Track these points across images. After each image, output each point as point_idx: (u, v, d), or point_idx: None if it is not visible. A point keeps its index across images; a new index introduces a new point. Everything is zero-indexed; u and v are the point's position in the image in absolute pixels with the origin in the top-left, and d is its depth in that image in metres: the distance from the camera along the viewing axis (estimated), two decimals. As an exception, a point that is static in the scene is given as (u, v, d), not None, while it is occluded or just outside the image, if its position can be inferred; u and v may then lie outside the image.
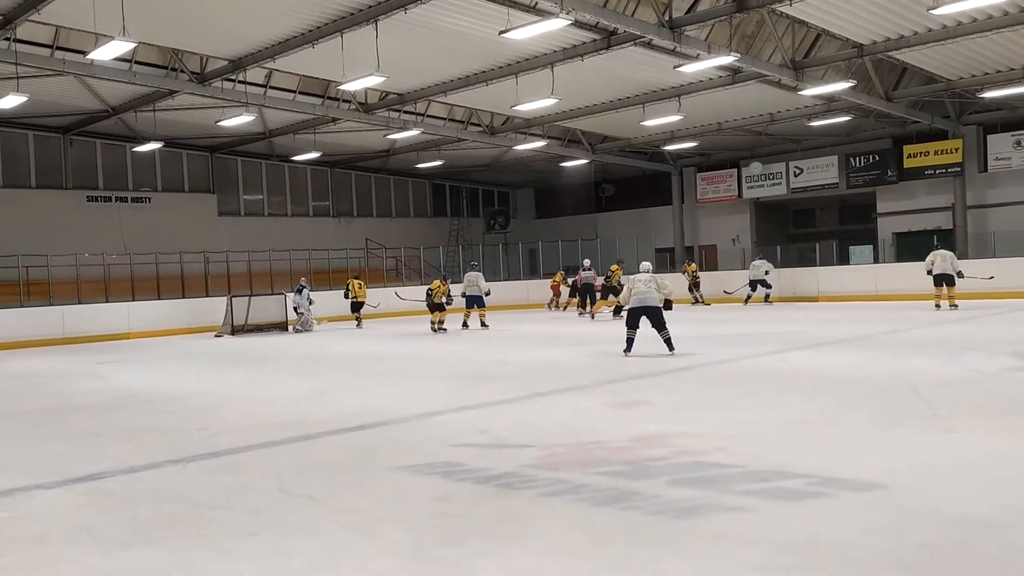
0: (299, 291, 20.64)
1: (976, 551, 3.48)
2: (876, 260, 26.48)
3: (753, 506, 4.24)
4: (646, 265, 12.17)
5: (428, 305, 18.07)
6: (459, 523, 4.21)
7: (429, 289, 18.17)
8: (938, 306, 17.61)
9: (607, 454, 5.54)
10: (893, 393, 7.49)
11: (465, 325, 18.68)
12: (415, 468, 5.42)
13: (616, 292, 18.59)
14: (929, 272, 17.68)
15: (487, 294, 18.62)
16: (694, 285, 23.99)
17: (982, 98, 22.11)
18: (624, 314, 12.17)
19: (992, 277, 18.70)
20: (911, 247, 25.69)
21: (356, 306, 21.47)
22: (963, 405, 6.76)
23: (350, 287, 21.49)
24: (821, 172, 28.47)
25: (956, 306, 17.44)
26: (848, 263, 26.93)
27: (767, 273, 22.89)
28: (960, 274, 17.48)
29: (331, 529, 4.19)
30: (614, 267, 20.96)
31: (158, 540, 4.14)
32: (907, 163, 26.14)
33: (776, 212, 32.09)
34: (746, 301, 22.79)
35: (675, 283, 23.91)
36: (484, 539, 3.94)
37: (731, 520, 4.04)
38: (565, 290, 24.56)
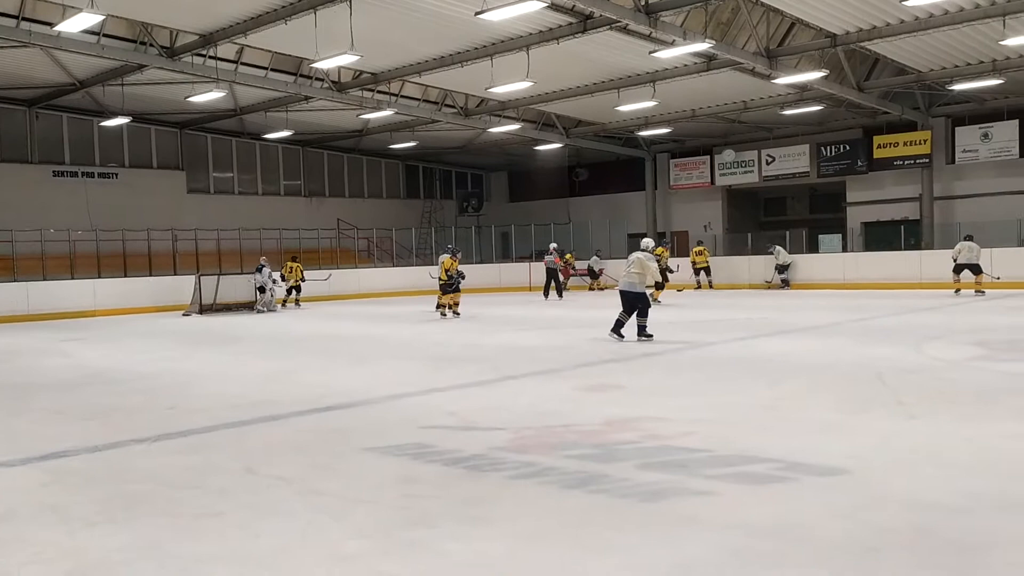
0: (259, 270, 20.49)
1: (937, 536, 3.54)
2: (845, 249, 26.78)
3: (720, 490, 4.28)
4: (647, 242, 11.98)
5: (442, 286, 16.91)
6: (428, 505, 4.21)
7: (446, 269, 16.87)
8: (958, 291, 18.56)
9: (577, 437, 5.56)
10: (858, 380, 7.60)
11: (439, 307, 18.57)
12: (384, 449, 5.41)
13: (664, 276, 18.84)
14: (955, 260, 18.66)
15: (462, 278, 18.47)
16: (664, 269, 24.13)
17: (951, 90, 22.33)
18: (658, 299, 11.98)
19: (999, 278, 19.18)
20: (879, 236, 26.04)
21: (293, 288, 21.68)
22: (926, 392, 6.87)
23: (287, 270, 21.68)
24: (793, 161, 28.67)
25: (983, 292, 18.36)
26: (817, 251, 27.20)
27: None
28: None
29: (299, 510, 4.17)
30: (660, 250, 20.09)
31: (123, 519, 4.10)
32: (877, 153, 26.40)
33: (748, 200, 32.30)
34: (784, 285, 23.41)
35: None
36: (453, 521, 3.95)
37: (699, 504, 4.08)
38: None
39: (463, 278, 16.99)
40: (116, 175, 26.53)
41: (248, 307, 20.52)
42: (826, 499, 4.09)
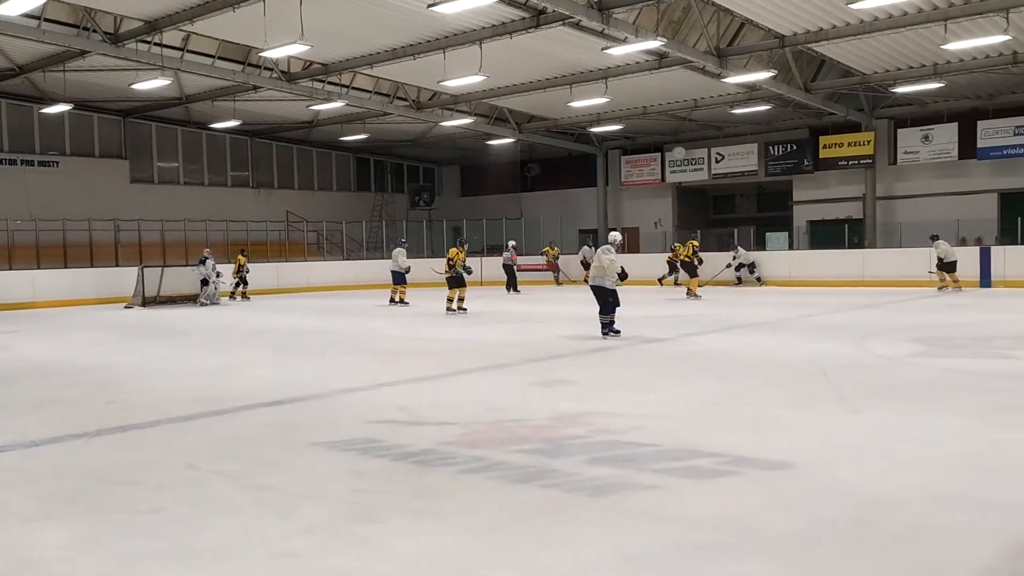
0: (202, 262, 20.13)
1: (875, 527, 3.62)
2: (791, 247, 27.26)
3: (667, 484, 4.32)
4: (613, 236, 11.70)
5: (448, 280, 15.86)
6: (376, 500, 4.18)
7: (449, 259, 15.89)
8: (941, 289, 19.20)
9: (527, 432, 5.57)
10: (803, 375, 7.74)
11: (392, 301, 18.48)
12: (332, 444, 5.35)
13: (692, 268, 19.07)
14: (941, 259, 19.23)
15: (407, 271, 18.42)
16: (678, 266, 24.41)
17: (894, 93, 22.90)
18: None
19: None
20: (824, 235, 26.56)
21: (240, 281, 21.62)
22: (868, 388, 7.02)
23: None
24: (741, 159, 29.09)
25: (961, 288, 19.13)
26: (765, 249, 27.65)
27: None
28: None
29: (243, 506, 4.11)
30: (688, 243, 20.36)
31: (60, 515, 3.99)
32: (822, 153, 26.91)
33: (697, 197, 32.70)
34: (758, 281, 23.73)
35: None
36: (401, 515, 3.92)
37: (646, 498, 4.11)
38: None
39: (469, 272, 15.98)
40: (57, 163, 25.80)
41: (192, 300, 20.15)
42: (769, 492, 4.16)
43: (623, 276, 11.15)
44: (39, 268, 21.01)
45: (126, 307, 19.27)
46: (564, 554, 3.42)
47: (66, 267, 21.70)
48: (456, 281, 15.78)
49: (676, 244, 24.26)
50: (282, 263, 26.06)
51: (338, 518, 3.90)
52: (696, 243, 20.21)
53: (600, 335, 11.05)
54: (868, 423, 5.73)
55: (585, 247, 26.67)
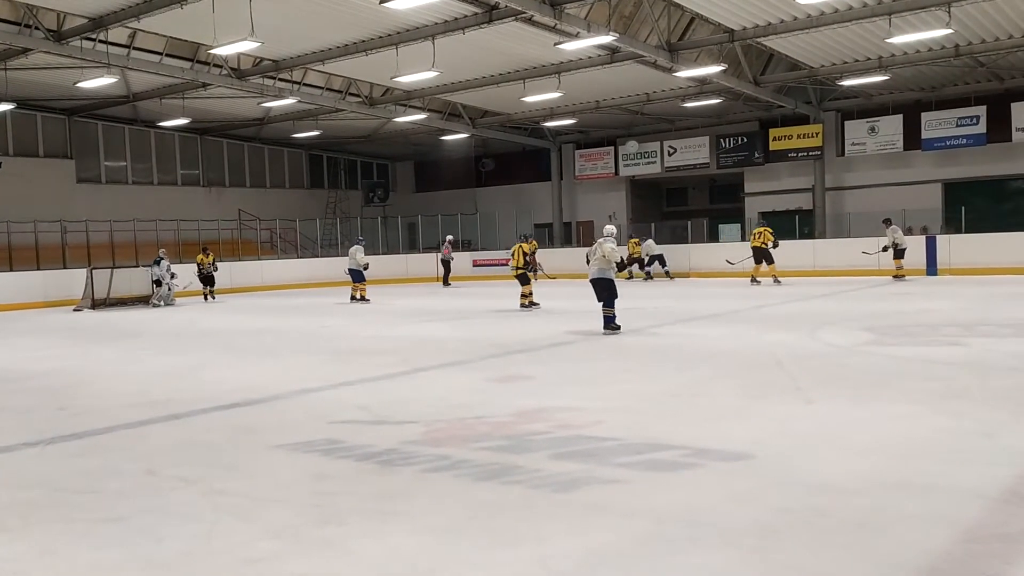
0: (157, 262, 19.78)
1: (832, 516, 3.71)
2: (743, 238, 27.60)
3: (629, 478, 4.37)
4: (609, 228, 11.50)
5: (520, 276, 15.30)
6: (339, 502, 4.16)
7: (526, 255, 15.54)
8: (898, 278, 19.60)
9: (488, 429, 5.59)
10: (759, 365, 7.87)
11: (353, 299, 18.38)
12: (293, 446, 5.31)
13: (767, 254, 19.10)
14: (897, 245, 19.59)
15: (365, 267, 18.37)
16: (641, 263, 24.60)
17: (841, 85, 23.35)
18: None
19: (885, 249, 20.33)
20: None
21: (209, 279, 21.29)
22: (822, 377, 7.17)
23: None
24: (693, 152, 29.39)
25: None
26: (717, 240, 28.00)
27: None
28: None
29: (204, 512, 4.06)
30: (764, 230, 20.41)
31: (16, 527, 3.91)
32: (772, 146, 27.33)
33: (651, 190, 32.98)
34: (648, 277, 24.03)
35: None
36: (365, 517, 3.91)
37: (609, 492, 4.15)
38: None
39: (533, 270, 15.80)
40: (-1, 164, 25.13)
41: (144, 301, 19.78)
42: (730, 484, 4.23)
43: (621, 266, 10.98)
44: (-17, 271, 20.45)
45: (75, 309, 18.88)
46: (528, 551, 3.45)
47: (12, 270, 21.16)
48: (526, 277, 15.38)
49: (634, 239, 24.68)
50: (235, 262, 25.68)
51: (302, 521, 3.88)
52: (770, 229, 20.50)
53: (603, 331, 10.81)
54: (823, 412, 5.85)
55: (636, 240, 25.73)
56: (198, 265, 21.34)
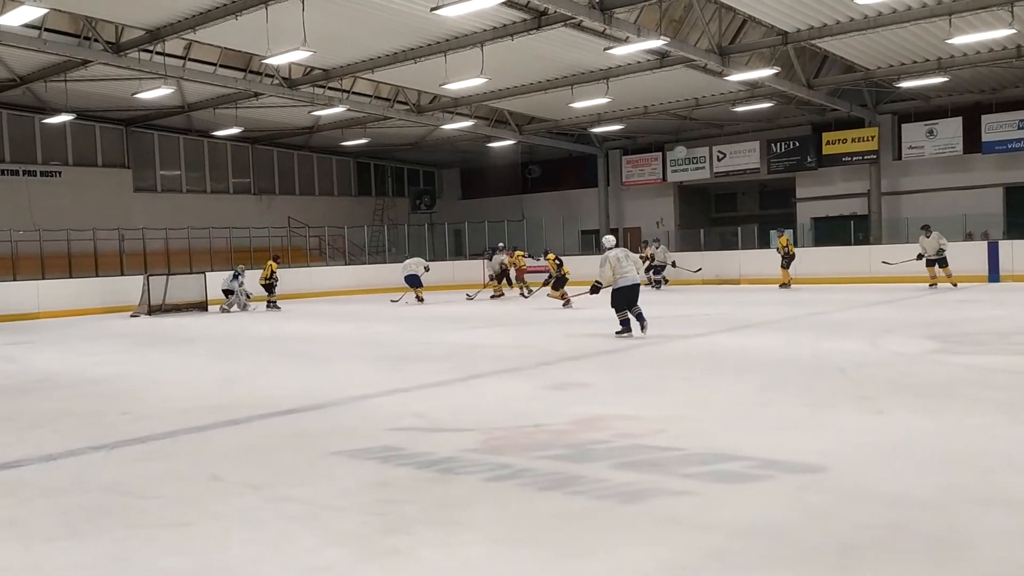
0: (236, 275, 20.02)
1: (915, 532, 3.56)
2: (796, 244, 27.15)
3: (698, 490, 4.26)
4: (612, 239, 11.67)
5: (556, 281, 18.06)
6: (403, 510, 4.11)
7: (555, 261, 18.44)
8: (933, 286, 19.01)
9: (548, 437, 5.51)
10: (821, 374, 7.68)
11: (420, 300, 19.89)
12: (352, 453, 5.29)
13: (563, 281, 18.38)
14: (942, 250, 18.86)
15: (552, 276, 18.81)
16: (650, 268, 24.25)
17: (898, 88, 22.83)
18: (588, 295, 12.03)
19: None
20: (829, 232, 26.50)
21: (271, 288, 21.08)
22: (889, 386, 6.95)
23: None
24: (743, 157, 29.02)
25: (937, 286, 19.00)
26: (768, 247, 27.55)
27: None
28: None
29: (270, 518, 4.04)
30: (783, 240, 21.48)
31: (85, 532, 3.93)
32: (826, 150, 26.85)
33: (699, 196, 32.63)
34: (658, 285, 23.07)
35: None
36: (430, 526, 3.86)
37: (678, 504, 4.04)
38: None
39: (552, 276, 18.40)
40: (59, 173, 25.80)
41: (199, 307, 20.10)
42: (803, 497, 4.08)
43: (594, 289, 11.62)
44: (44, 279, 20.95)
45: (132, 316, 19.23)
46: (598, 563, 3.36)
47: (71, 277, 21.65)
48: (560, 282, 17.80)
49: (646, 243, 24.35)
50: (285, 269, 25.96)
51: (367, 529, 3.84)
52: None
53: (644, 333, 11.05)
54: (894, 423, 5.66)
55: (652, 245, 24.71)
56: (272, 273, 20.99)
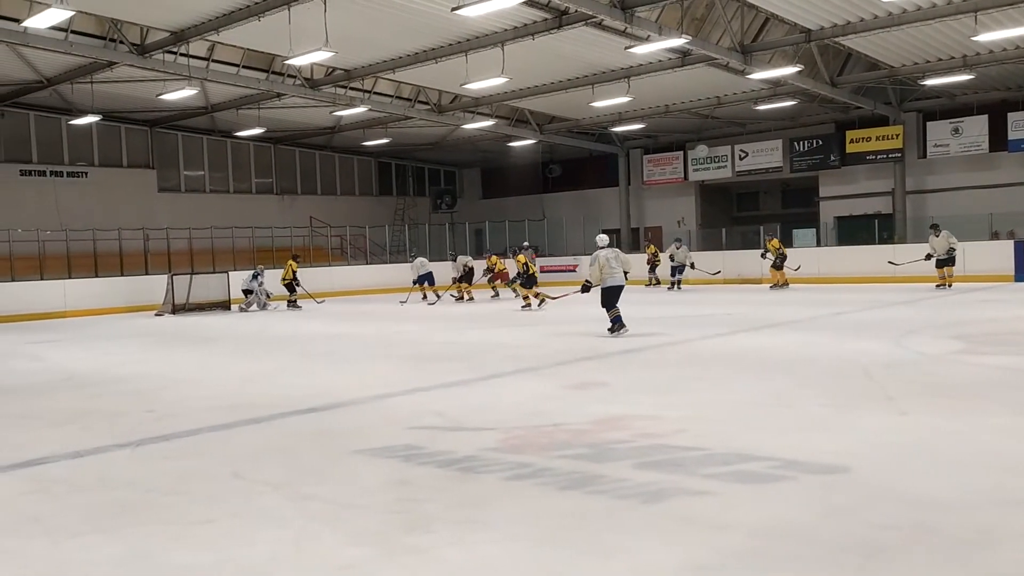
0: (255, 276, 20.19)
1: (939, 533, 3.52)
2: (818, 243, 26.99)
3: (719, 490, 4.24)
4: (605, 238, 11.82)
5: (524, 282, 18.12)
6: (424, 508, 4.13)
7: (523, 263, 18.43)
8: (940, 287, 18.67)
9: (568, 437, 5.50)
10: (844, 374, 7.61)
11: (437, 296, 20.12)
12: (374, 452, 5.32)
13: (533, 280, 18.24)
14: (952, 249, 18.67)
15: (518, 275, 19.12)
16: (653, 266, 24.13)
17: (923, 85, 22.59)
18: (571, 295, 12.19)
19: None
20: (852, 231, 26.27)
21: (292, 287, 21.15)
22: (914, 387, 6.89)
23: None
24: (765, 156, 28.83)
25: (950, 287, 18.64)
26: (791, 246, 27.36)
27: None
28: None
29: (292, 516, 4.07)
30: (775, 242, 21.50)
31: (111, 528, 3.97)
32: (849, 148, 26.62)
33: (720, 195, 32.47)
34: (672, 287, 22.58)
35: (638, 263, 24.50)
36: (451, 525, 3.87)
37: (699, 504, 4.03)
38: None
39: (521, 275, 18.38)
40: (86, 174, 26.09)
41: (222, 307, 20.26)
42: (826, 498, 4.06)
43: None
44: (70, 278, 21.19)
45: (156, 315, 19.41)
46: (619, 563, 3.36)
47: (97, 276, 21.89)
48: (529, 281, 17.97)
49: (652, 245, 24.23)
50: (306, 268, 26.12)
51: (388, 528, 3.86)
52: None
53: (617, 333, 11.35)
54: (918, 423, 5.61)
55: (673, 245, 23.51)
56: (293, 272, 21.04)
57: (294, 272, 20.99)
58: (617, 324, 11.35)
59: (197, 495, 4.50)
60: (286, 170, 31.75)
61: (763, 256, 21.88)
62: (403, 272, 26.37)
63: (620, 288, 11.37)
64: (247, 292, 20.20)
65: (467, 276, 21.18)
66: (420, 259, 21.68)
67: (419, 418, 6.35)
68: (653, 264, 24.18)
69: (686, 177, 30.76)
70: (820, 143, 27.56)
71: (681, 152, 30.87)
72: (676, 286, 22.50)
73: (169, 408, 7.20)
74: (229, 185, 30.20)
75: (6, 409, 7.55)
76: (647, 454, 4.99)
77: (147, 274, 22.24)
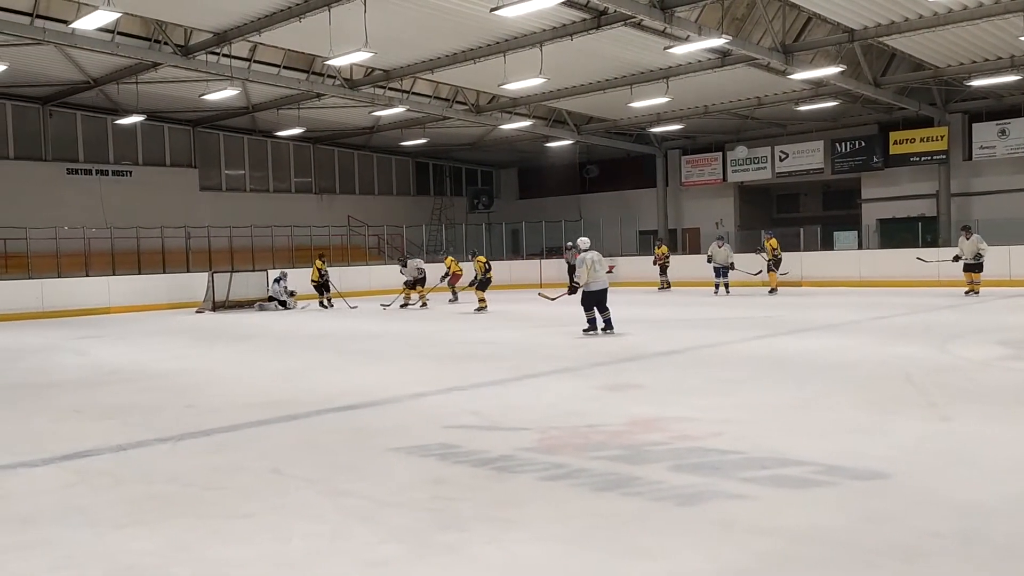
0: (278, 280, 20.31)
1: (983, 541, 3.45)
2: (860, 246, 26.57)
3: (756, 493, 4.19)
4: (587, 241, 12.15)
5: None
6: (459, 507, 4.14)
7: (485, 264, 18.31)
8: (969, 293, 17.79)
9: (604, 438, 5.48)
10: (885, 379, 7.49)
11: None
12: (409, 450, 5.34)
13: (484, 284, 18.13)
14: (980, 254, 17.66)
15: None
16: (663, 268, 23.75)
17: (969, 86, 22.16)
18: (562, 296, 12.77)
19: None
20: (895, 233, 25.84)
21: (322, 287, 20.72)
22: (957, 393, 6.75)
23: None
24: (806, 157, 28.50)
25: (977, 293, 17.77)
26: (832, 248, 27.00)
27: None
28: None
29: (328, 512, 4.11)
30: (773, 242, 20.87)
31: (152, 521, 4.04)
32: (893, 149, 26.21)
33: (760, 196, 32.14)
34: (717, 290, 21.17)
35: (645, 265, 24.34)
36: (485, 524, 3.88)
37: (736, 507, 3.99)
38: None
39: (477, 277, 18.13)
40: (130, 173, 26.59)
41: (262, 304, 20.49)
42: (866, 503, 3.99)
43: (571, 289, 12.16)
44: (114, 275, 21.61)
45: (197, 312, 19.69)
46: (654, 565, 3.34)
47: (140, 273, 22.29)
48: (483, 284, 17.83)
49: (663, 246, 23.87)
50: (344, 267, 26.35)
51: (422, 526, 3.87)
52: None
53: (605, 332, 11.77)
54: (961, 430, 5.50)
55: (714, 244, 21.67)
56: (320, 272, 20.70)
57: (319, 271, 20.59)
58: (592, 326, 11.79)
59: (235, 490, 4.56)
60: (325, 170, 32.06)
61: (757, 251, 21.25)
62: (440, 272, 26.59)
63: (604, 291, 11.75)
64: (272, 297, 20.21)
65: (420, 281, 19.80)
66: (418, 260, 20.47)
67: (455, 417, 6.37)
68: (663, 266, 23.65)
69: (725, 178, 30.51)
70: (863, 144, 27.17)
71: (720, 153, 30.63)
72: (722, 289, 20.75)
73: (209, 404, 7.30)
74: (269, 184, 30.57)
75: (53, 403, 7.71)
76: (684, 456, 4.96)
77: (188, 272, 22.58)
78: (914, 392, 6.82)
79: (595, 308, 11.76)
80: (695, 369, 8.71)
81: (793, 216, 31.63)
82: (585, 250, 11.84)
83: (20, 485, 4.82)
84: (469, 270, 20.07)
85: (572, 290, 12.22)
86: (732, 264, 21.06)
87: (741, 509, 3.98)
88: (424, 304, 19.50)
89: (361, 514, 4.07)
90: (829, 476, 4.44)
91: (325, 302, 20.63)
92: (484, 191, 36.36)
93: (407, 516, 4.02)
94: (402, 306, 19.48)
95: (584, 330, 11.85)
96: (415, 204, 34.35)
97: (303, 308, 20.45)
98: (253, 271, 21.75)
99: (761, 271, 21.40)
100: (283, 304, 20.23)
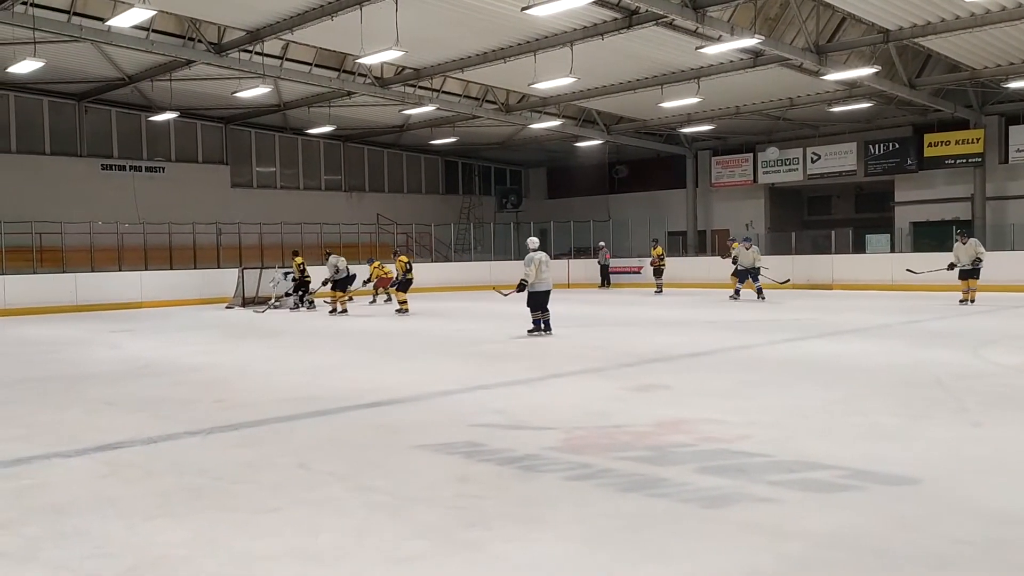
0: (286, 275, 19.96)
1: (1014, 547, 3.41)
2: (893, 249, 26.24)
3: (783, 497, 4.17)
4: (536, 241, 12.24)
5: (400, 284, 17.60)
6: (484, 505, 4.15)
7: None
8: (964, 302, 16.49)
9: (629, 439, 5.47)
10: (916, 384, 7.40)
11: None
12: (435, 447, 5.37)
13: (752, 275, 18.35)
14: (979, 259, 16.47)
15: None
16: (658, 271, 23.46)
17: (1006, 88, 21.82)
18: (512, 294, 12.75)
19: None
20: (929, 237, 25.49)
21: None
22: (990, 398, 6.66)
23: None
24: (839, 159, 28.18)
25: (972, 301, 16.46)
26: (864, 251, 26.71)
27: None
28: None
29: (354, 508, 4.14)
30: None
31: (182, 513, 4.10)
32: (927, 152, 25.85)
33: (791, 198, 31.83)
34: (737, 294, 19.77)
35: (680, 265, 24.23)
36: (510, 522, 3.89)
37: (762, 511, 3.97)
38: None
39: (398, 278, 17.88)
40: (163, 169, 26.93)
41: (290, 300, 20.50)
42: (895, 509, 3.96)
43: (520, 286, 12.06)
44: (146, 270, 21.91)
45: (226, 307, 19.88)
46: (682, 567, 3.34)
47: (171, 268, 22.58)
48: (404, 284, 17.55)
49: (658, 247, 23.65)
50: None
51: (448, 523, 3.90)
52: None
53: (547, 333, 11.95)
54: (994, 436, 5.42)
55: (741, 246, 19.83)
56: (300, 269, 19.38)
57: (298, 266, 19.31)
58: (537, 327, 11.94)
59: (263, 484, 4.61)
60: (354, 167, 32.25)
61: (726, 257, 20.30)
62: (468, 270, 26.79)
63: (548, 292, 11.96)
64: (288, 292, 19.68)
65: (340, 283, 17.95)
66: (338, 258, 18.24)
67: (481, 415, 6.39)
68: (658, 268, 23.31)
69: (755, 179, 30.27)
70: (896, 146, 26.83)
71: (751, 154, 30.39)
72: (744, 294, 19.30)
73: (238, 399, 7.38)
74: (299, 182, 30.81)
75: (87, 395, 7.83)
76: (710, 459, 4.94)
77: (219, 267, 22.82)
78: (945, 397, 6.74)
79: (540, 310, 11.91)
80: (722, 371, 8.67)
81: (825, 218, 31.28)
82: (534, 250, 11.96)
83: (54, 476, 4.91)
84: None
85: (521, 287, 12.16)
86: (759, 268, 19.56)
87: (767, 512, 3.95)
88: (344, 309, 17.70)
89: (387, 510, 4.10)
90: (857, 481, 4.40)
91: (300, 301, 19.27)
92: (513, 190, 36.37)
93: (432, 513, 4.05)
94: (308, 308, 18.83)
95: (529, 331, 11.98)
96: (444, 203, 34.45)
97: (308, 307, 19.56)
98: (283, 268, 21.85)
99: (789, 279, 21.04)
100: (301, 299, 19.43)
